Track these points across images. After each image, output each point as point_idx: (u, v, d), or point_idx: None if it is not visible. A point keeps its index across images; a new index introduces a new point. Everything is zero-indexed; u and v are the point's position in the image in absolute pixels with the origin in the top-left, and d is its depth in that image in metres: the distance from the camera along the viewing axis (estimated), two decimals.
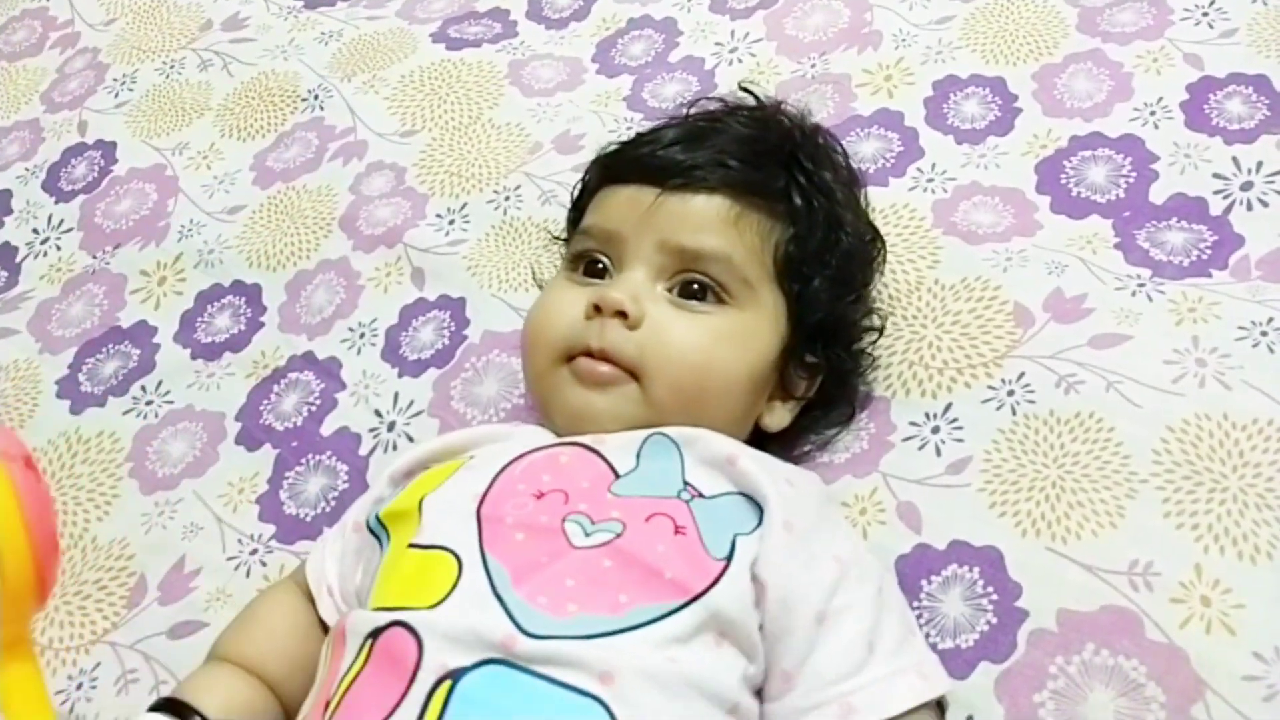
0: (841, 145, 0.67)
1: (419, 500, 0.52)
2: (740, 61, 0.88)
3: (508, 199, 0.81)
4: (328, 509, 0.68)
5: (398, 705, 0.43)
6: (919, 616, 0.53)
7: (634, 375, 0.55)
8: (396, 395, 0.72)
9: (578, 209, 0.66)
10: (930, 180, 0.75)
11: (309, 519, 0.68)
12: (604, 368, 0.55)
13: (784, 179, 0.60)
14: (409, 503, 0.53)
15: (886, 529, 0.57)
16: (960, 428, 0.60)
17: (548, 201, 0.80)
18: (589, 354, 0.56)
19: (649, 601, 0.46)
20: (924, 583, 0.55)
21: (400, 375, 0.73)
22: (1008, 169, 0.74)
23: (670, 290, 0.57)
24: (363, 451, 0.71)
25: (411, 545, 0.50)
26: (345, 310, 0.78)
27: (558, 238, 0.72)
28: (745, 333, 0.57)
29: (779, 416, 0.60)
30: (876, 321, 0.64)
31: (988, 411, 0.60)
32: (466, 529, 0.49)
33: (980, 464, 0.58)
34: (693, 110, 0.66)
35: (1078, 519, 0.54)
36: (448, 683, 0.43)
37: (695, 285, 0.57)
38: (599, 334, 0.55)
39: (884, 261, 0.66)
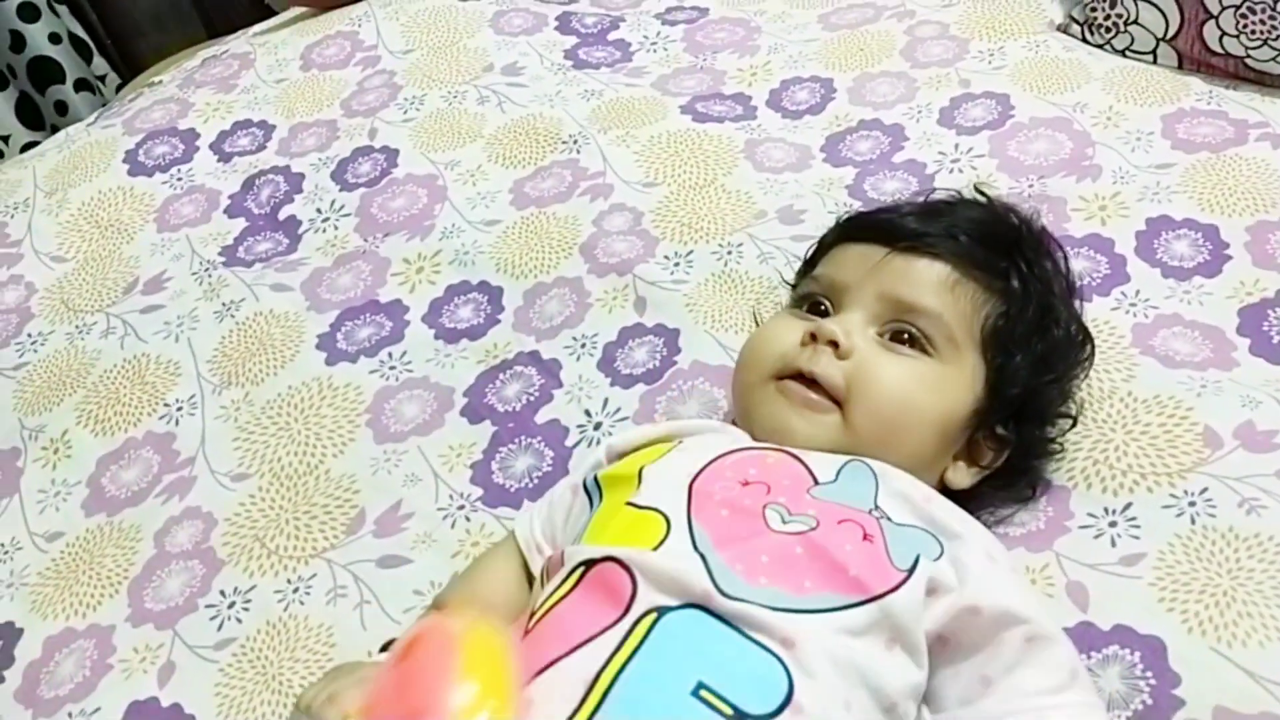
0: (1064, 250, 0.72)
1: (639, 468, 0.60)
2: (961, 172, 0.94)
3: (730, 253, 0.90)
4: (530, 485, 0.77)
5: (608, 629, 0.50)
6: None
7: (837, 403, 0.61)
8: (606, 401, 0.81)
9: (810, 263, 0.74)
10: (1133, 305, 0.79)
11: (513, 490, 0.77)
12: (813, 393, 0.62)
13: (1005, 262, 0.66)
14: (629, 469, 0.61)
15: (1054, 602, 0.61)
16: (1138, 526, 0.63)
17: (765, 261, 0.88)
18: (799, 377, 0.63)
19: (830, 591, 0.51)
20: (1083, 657, 0.58)
21: (612, 385, 0.82)
22: (1211, 308, 0.77)
23: (881, 335, 0.64)
24: (569, 443, 0.79)
25: (629, 503, 0.58)
26: (572, 322, 0.87)
27: (787, 283, 0.80)
28: (943, 383, 0.62)
29: (962, 476, 0.64)
30: (1071, 411, 0.68)
31: (1167, 517, 0.63)
32: (678, 497, 0.56)
33: (1154, 561, 0.61)
34: (930, 197, 0.74)
35: (1245, 628, 0.57)
36: (653, 615, 0.50)
37: (904, 334, 0.63)
38: (811, 358, 0.63)
39: (1090, 362, 0.70)
